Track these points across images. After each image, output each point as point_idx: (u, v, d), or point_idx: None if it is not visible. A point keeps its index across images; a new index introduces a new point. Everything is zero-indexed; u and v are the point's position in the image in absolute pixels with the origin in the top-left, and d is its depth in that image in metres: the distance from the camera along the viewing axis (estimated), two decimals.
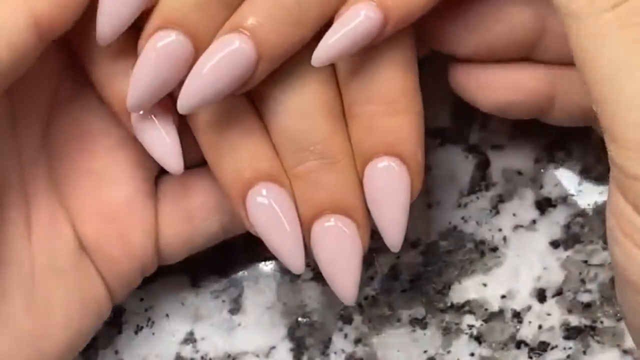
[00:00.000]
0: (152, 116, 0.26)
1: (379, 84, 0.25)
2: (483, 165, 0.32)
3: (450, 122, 0.32)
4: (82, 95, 0.28)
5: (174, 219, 0.29)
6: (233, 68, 0.24)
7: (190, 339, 0.32)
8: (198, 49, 0.24)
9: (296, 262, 0.26)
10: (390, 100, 0.25)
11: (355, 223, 0.26)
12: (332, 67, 0.25)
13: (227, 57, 0.24)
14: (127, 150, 0.28)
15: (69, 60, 0.27)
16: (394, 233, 0.26)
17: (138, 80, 0.24)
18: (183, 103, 0.24)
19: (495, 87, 0.28)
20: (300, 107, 0.25)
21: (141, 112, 0.26)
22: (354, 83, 0.25)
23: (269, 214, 0.26)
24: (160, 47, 0.24)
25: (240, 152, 0.26)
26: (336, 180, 0.26)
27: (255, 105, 0.26)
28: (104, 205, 0.28)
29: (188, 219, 0.29)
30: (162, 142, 0.26)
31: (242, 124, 0.26)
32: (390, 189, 0.26)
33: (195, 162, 0.28)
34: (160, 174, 0.29)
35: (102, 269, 0.28)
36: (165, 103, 0.26)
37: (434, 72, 0.29)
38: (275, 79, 0.25)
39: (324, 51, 0.24)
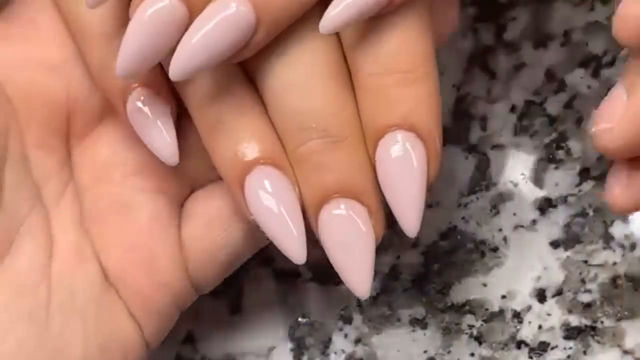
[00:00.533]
0: (148, 107, 0.24)
1: (390, 51, 0.23)
2: (483, 165, 0.32)
3: (450, 122, 0.32)
4: (95, 128, 0.27)
5: (195, 233, 0.27)
6: (230, 32, 0.22)
7: (190, 339, 0.32)
8: (192, 13, 0.23)
9: (298, 253, 0.24)
10: (404, 68, 0.23)
11: (366, 208, 0.24)
12: (336, 35, 0.23)
13: (223, 20, 0.22)
14: (145, 176, 0.27)
15: (79, 94, 0.27)
16: (410, 218, 0.24)
17: (129, 45, 0.23)
18: (175, 69, 0.22)
19: None
20: (301, 80, 0.23)
21: (138, 103, 0.24)
22: (362, 51, 0.23)
23: (268, 201, 0.24)
24: (153, 11, 0.22)
25: (237, 134, 0.24)
26: (344, 160, 0.23)
27: (253, 82, 0.24)
28: (127, 234, 0.26)
29: (207, 234, 0.27)
30: (158, 133, 0.24)
31: (240, 103, 0.24)
32: (405, 169, 0.23)
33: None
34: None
35: (131, 303, 0.26)
36: (163, 93, 0.25)
37: None
38: (274, 51, 0.23)
39: (331, 19, 0.22)
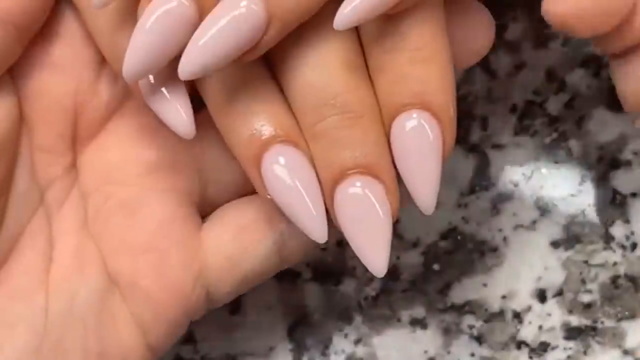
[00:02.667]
0: (162, 84, 0.24)
1: (403, 31, 0.23)
2: (483, 165, 0.32)
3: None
4: (104, 127, 0.27)
5: (220, 240, 0.26)
6: (240, 31, 0.22)
7: (190, 339, 0.32)
8: (202, 13, 0.22)
9: (318, 232, 0.23)
10: (417, 46, 0.23)
11: (383, 185, 0.23)
12: None
13: (234, 19, 0.22)
14: (157, 176, 0.26)
15: (87, 95, 0.26)
16: (426, 194, 0.23)
17: (136, 46, 0.22)
18: (184, 68, 0.22)
19: None
20: (319, 58, 0.23)
21: (151, 80, 0.24)
22: (377, 33, 0.23)
23: (287, 179, 0.23)
24: (162, 11, 0.22)
25: (253, 112, 0.23)
26: (360, 137, 0.23)
27: (269, 61, 0.24)
28: (136, 235, 0.26)
29: (235, 240, 0.26)
30: (173, 108, 0.24)
31: (255, 82, 0.24)
32: (420, 146, 0.23)
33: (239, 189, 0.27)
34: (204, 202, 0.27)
35: (139, 309, 0.26)
36: (174, 68, 0.24)
37: None
38: (290, 35, 0.23)
39: (344, 16, 0.22)
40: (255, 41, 0.22)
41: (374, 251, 0.24)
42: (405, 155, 0.23)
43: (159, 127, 0.25)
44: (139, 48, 0.22)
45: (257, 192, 0.24)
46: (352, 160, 0.23)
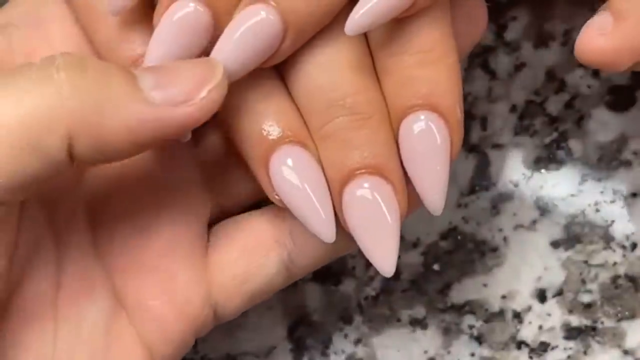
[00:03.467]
0: None
1: (410, 34, 0.23)
2: (483, 165, 0.32)
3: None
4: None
5: (227, 260, 0.26)
6: (258, 41, 0.22)
7: None
8: (218, 20, 0.23)
9: (327, 232, 0.24)
10: (423, 49, 0.23)
11: (391, 185, 0.24)
12: None
13: (252, 29, 0.22)
14: (171, 195, 0.26)
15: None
16: (434, 195, 0.24)
17: (155, 51, 0.23)
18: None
19: None
20: (327, 60, 0.23)
21: None
22: (384, 36, 0.23)
23: (295, 180, 0.23)
24: (178, 17, 0.23)
25: (262, 113, 0.24)
26: (369, 138, 0.23)
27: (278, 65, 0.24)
28: (145, 257, 0.26)
29: (242, 258, 0.26)
30: None
31: (264, 84, 0.24)
32: (428, 147, 0.23)
33: (247, 199, 0.27)
34: (213, 222, 0.27)
35: (146, 330, 0.26)
36: None
37: None
38: None
39: (355, 21, 0.22)
40: (273, 50, 0.23)
41: (382, 252, 0.24)
42: (414, 156, 0.24)
43: (171, 149, 0.26)
44: (157, 52, 0.23)
45: (267, 203, 0.25)
46: (360, 161, 0.23)
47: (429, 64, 0.23)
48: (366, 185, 0.23)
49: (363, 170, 0.23)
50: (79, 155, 0.22)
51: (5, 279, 0.24)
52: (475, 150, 0.32)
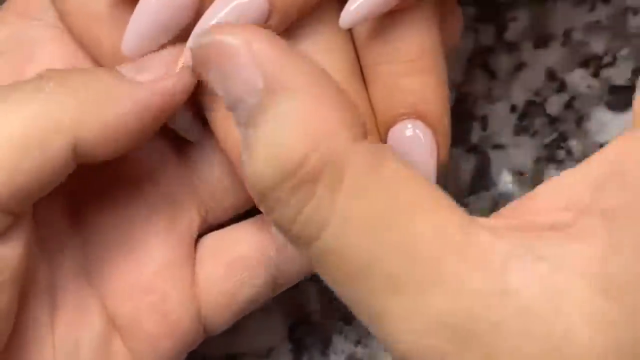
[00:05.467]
0: None
1: (398, 43, 0.24)
2: (483, 165, 0.32)
3: (450, 122, 0.32)
4: (104, 169, 0.26)
5: (214, 277, 0.26)
6: (243, 19, 0.23)
7: None
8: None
9: None
10: (412, 58, 0.24)
11: None
12: (349, 34, 0.24)
13: (237, 8, 0.23)
14: (157, 217, 0.26)
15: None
16: None
17: (137, 24, 0.23)
18: (189, 54, 0.23)
19: None
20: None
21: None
22: (373, 44, 0.24)
23: None
24: None
25: None
26: None
27: None
28: (136, 278, 0.26)
29: (229, 274, 0.26)
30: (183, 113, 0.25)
31: None
32: (416, 155, 0.24)
33: (235, 209, 0.27)
34: (199, 234, 0.27)
35: (139, 349, 0.26)
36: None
37: None
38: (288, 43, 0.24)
39: (350, 13, 0.23)
40: None
41: None
42: None
43: (158, 169, 0.26)
44: (140, 25, 0.23)
45: (255, 213, 0.25)
46: None
47: (417, 72, 0.24)
48: None
49: None
50: (84, 152, 0.23)
51: (10, 314, 0.24)
52: (475, 150, 0.32)
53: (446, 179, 0.32)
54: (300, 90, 0.20)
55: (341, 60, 0.24)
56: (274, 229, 0.24)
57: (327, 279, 0.21)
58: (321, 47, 0.24)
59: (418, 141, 0.24)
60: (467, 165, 0.32)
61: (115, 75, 0.23)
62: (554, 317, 0.19)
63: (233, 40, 0.20)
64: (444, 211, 0.20)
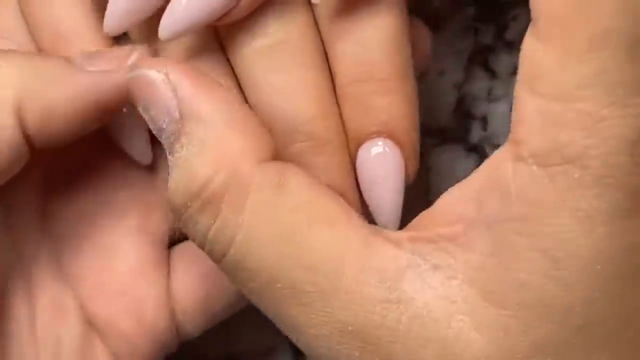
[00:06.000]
0: (123, 114, 0.25)
1: (369, 63, 0.24)
2: None
3: (450, 122, 0.32)
4: (76, 170, 0.27)
5: (188, 282, 0.27)
6: (212, 2, 0.23)
7: (190, 339, 0.32)
8: None
9: None
10: (383, 77, 0.24)
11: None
12: (322, 49, 0.25)
13: None
14: (129, 218, 0.27)
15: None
16: (388, 215, 0.25)
17: (117, 3, 0.24)
18: (164, 30, 0.23)
19: None
20: (289, 85, 0.24)
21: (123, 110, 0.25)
22: (345, 63, 0.24)
23: None
24: None
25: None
26: (327, 164, 0.25)
27: (242, 86, 0.25)
28: (111, 279, 0.27)
29: (203, 282, 0.27)
30: (132, 133, 0.26)
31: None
32: (384, 172, 0.25)
33: None
34: (174, 241, 0.28)
35: (116, 348, 0.27)
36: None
37: (434, 71, 0.29)
38: (263, 59, 0.24)
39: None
40: (234, 3, 0.23)
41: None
42: (370, 180, 0.25)
43: (129, 170, 0.27)
44: (119, 4, 0.24)
45: None
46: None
47: (388, 92, 0.24)
48: None
49: None
50: (31, 132, 0.23)
51: None
52: (475, 150, 0.32)
53: (446, 178, 0.32)
54: (211, 118, 0.21)
55: (317, 77, 0.24)
56: None
57: (243, 291, 0.22)
58: (298, 62, 0.24)
59: (387, 158, 0.25)
60: (467, 165, 0.32)
61: (64, 60, 0.24)
62: (446, 323, 0.20)
63: (154, 73, 0.22)
64: (347, 224, 0.21)
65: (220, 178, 0.21)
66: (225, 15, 0.23)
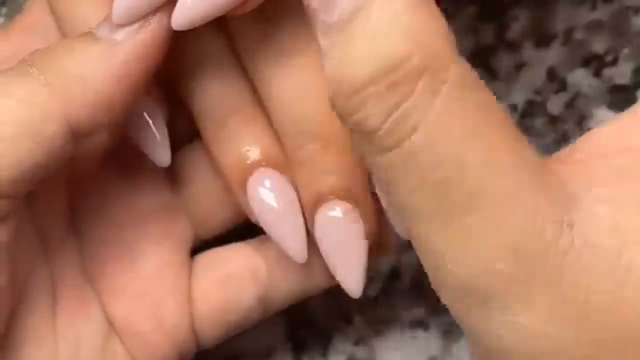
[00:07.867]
0: (142, 111, 0.25)
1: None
2: None
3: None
4: (104, 172, 0.27)
5: (207, 290, 0.27)
6: None
7: None
8: None
9: (299, 252, 0.25)
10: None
11: (359, 210, 0.25)
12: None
13: None
14: (155, 222, 0.27)
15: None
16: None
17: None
18: (177, 19, 0.23)
19: None
20: (299, 90, 0.24)
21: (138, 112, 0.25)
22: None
23: (270, 201, 0.25)
24: None
25: (240, 138, 0.25)
26: (336, 164, 0.24)
27: (256, 89, 0.25)
28: (133, 281, 0.27)
29: (221, 289, 0.27)
30: (151, 135, 0.25)
31: (243, 109, 0.25)
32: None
33: (229, 222, 0.28)
34: (197, 248, 0.28)
35: (134, 351, 0.27)
36: (156, 95, 0.25)
37: None
38: (273, 64, 0.24)
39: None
40: None
41: (350, 273, 0.25)
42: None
43: (156, 177, 0.27)
44: None
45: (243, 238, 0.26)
46: (330, 187, 0.25)
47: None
48: (337, 209, 0.25)
49: (333, 196, 0.25)
50: (82, 131, 0.23)
51: (8, 293, 0.24)
52: None
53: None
54: None
55: (321, 78, 0.23)
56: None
57: (398, 187, 0.20)
58: (299, 67, 0.24)
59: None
60: None
61: (92, 40, 0.23)
62: (617, 253, 0.19)
63: None
64: (524, 144, 0.20)
65: (421, 55, 0.19)
66: (239, 6, 0.23)
